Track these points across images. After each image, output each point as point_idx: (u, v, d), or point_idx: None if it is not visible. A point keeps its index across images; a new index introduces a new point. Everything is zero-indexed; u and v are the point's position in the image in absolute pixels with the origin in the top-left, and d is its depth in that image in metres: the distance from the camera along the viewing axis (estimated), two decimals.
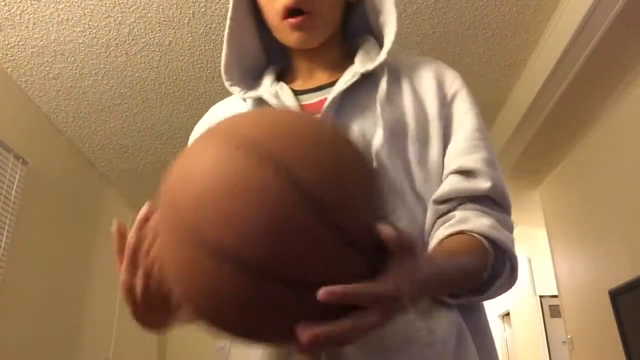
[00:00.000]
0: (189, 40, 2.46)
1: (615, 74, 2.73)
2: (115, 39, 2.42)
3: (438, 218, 0.68)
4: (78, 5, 2.22)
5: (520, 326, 5.79)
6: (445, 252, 0.61)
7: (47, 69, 2.58)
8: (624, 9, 2.14)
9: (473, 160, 0.69)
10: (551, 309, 5.01)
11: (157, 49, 2.51)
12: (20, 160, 2.65)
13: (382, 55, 0.75)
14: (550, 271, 4.16)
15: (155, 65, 2.62)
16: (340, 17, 0.80)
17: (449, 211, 0.68)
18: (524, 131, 3.15)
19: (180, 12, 2.29)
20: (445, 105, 0.75)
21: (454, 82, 0.77)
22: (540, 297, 5.13)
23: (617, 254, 3.05)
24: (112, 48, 2.48)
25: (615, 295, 2.97)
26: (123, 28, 2.36)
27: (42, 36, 2.37)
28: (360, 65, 0.76)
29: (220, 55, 2.81)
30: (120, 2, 2.22)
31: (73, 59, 2.53)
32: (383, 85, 0.73)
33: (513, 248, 0.66)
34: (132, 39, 2.43)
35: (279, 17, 0.74)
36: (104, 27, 2.35)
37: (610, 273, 3.10)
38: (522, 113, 2.97)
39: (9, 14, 2.25)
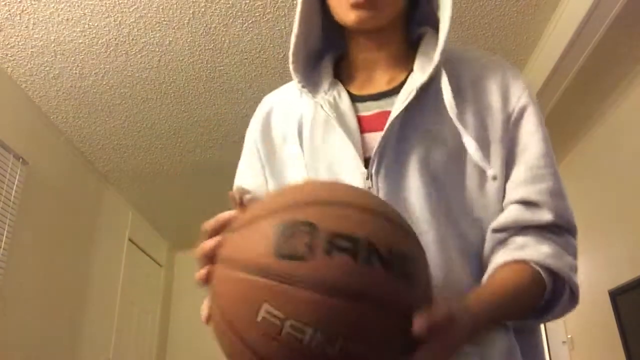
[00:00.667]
0: (189, 40, 2.46)
1: (615, 74, 2.73)
2: (115, 39, 2.42)
3: (497, 244, 0.66)
4: (78, 5, 2.22)
5: None
6: (498, 286, 0.60)
7: (47, 69, 2.58)
8: (624, 9, 2.14)
9: (536, 192, 0.65)
10: None
11: (157, 49, 2.51)
12: (20, 160, 2.65)
13: (436, 58, 0.69)
14: None
15: (155, 65, 2.62)
16: (405, 4, 0.74)
17: (508, 238, 0.65)
18: None
19: (180, 12, 2.29)
20: (510, 126, 0.70)
21: (520, 97, 0.72)
22: None
23: (617, 254, 3.04)
24: (112, 48, 2.48)
25: (615, 295, 2.97)
26: (123, 28, 2.36)
27: (42, 36, 2.37)
28: (419, 74, 0.71)
29: (220, 55, 2.79)
30: (120, 2, 2.22)
31: (73, 59, 2.53)
32: (448, 98, 0.68)
33: (574, 274, 0.64)
34: (132, 39, 2.43)
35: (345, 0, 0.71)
36: (104, 27, 2.35)
37: (610, 273, 3.10)
38: None
39: (9, 14, 2.25)
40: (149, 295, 4.60)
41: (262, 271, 0.45)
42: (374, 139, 0.68)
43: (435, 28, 0.75)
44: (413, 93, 0.68)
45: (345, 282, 0.43)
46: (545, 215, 0.64)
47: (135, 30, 2.38)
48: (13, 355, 2.58)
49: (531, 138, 0.69)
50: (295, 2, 2.26)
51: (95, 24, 2.33)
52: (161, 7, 2.26)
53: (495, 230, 0.66)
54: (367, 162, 0.67)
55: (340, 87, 0.75)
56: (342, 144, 0.69)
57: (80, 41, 2.42)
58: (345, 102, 0.73)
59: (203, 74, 2.70)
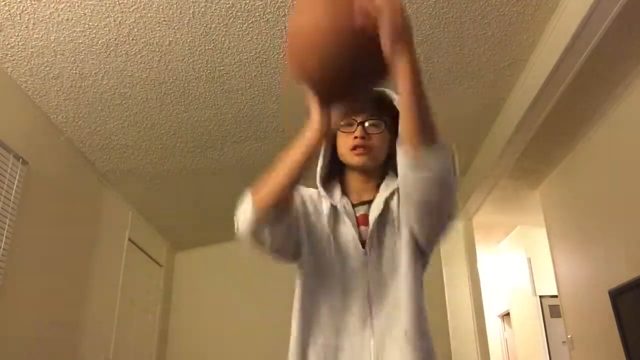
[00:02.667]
0: (189, 40, 2.46)
1: (615, 74, 2.73)
2: (115, 39, 2.42)
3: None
4: (78, 5, 2.22)
5: (520, 326, 5.79)
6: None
7: (47, 69, 2.59)
8: (624, 9, 2.14)
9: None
10: (551, 309, 5.00)
11: (157, 49, 2.51)
12: (20, 160, 2.65)
13: (392, 187, 1.22)
14: (550, 271, 4.16)
15: (155, 65, 2.62)
16: (384, 159, 1.25)
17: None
18: (524, 131, 3.15)
19: (180, 12, 2.29)
20: None
21: None
22: (540, 297, 5.12)
23: (616, 254, 3.05)
24: (112, 48, 2.48)
25: (615, 295, 2.97)
26: (123, 28, 2.36)
27: (42, 36, 2.37)
28: (383, 193, 1.22)
29: (220, 55, 2.79)
30: (120, 2, 2.22)
31: (73, 59, 2.53)
32: (395, 208, 1.21)
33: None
34: (132, 39, 2.43)
35: (349, 149, 1.21)
36: (104, 27, 2.35)
37: (610, 273, 3.10)
38: (522, 113, 2.97)
39: (9, 14, 2.25)
40: (149, 295, 4.60)
41: None
42: (364, 230, 1.20)
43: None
44: (381, 205, 1.19)
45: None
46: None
47: (135, 30, 2.38)
48: (13, 355, 2.58)
49: None
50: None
51: (95, 24, 2.33)
52: (161, 7, 2.26)
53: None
54: (362, 243, 1.18)
55: (346, 199, 1.25)
56: (348, 231, 1.20)
57: (80, 41, 2.42)
58: (350, 208, 1.24)
59: (203, 74, 2.70)
